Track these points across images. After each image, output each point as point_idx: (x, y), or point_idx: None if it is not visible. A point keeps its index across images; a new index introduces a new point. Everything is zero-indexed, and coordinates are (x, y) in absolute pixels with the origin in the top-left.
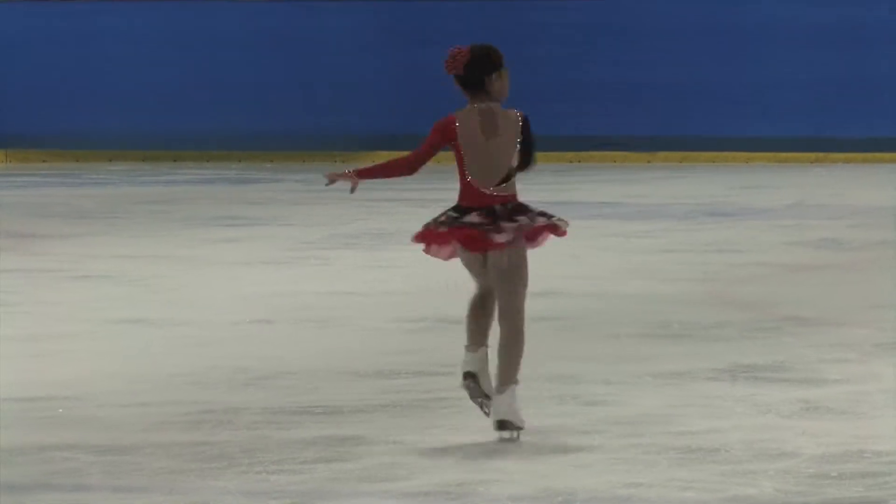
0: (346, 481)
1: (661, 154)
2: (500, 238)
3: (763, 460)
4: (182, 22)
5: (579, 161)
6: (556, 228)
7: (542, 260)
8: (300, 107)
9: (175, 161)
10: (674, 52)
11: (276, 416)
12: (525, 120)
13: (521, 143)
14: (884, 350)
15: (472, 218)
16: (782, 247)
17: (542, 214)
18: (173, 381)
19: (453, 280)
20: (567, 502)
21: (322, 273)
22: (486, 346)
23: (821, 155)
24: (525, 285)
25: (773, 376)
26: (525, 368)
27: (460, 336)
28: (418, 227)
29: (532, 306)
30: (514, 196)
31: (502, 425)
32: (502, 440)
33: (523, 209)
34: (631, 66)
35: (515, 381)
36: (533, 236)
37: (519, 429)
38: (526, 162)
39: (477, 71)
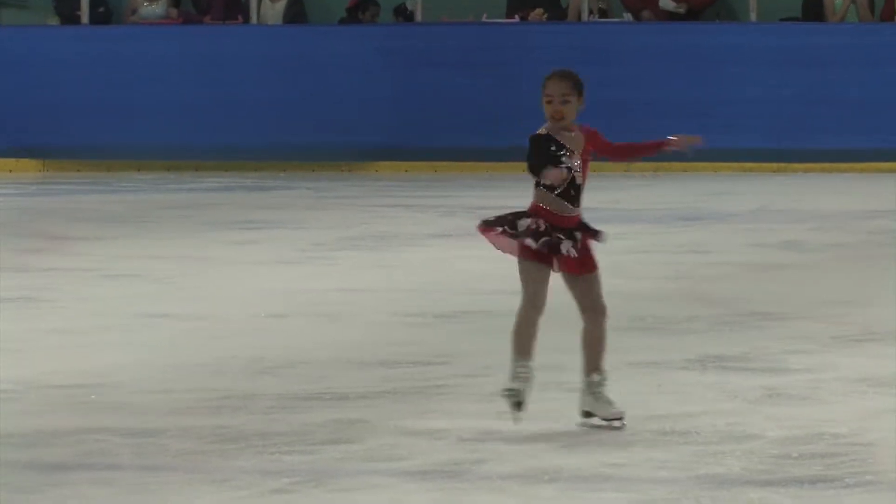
0: (352, 461)
1: (637, 164)
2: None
3: (730, 442)
4: (203, 45)
5: None
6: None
7: None
8: (310, 122)
9: (197, 170)
10: (649, 73)
11: (289, 402)
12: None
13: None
14: (840, 342)
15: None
16: (747, 248)
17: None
18: (196, 370)
19: (447, 279)
20: (553, 480)
21: (330, 272)
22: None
23: (782, 165)
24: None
25: (739, 366)
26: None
27: (455, 328)
28: (418, 230)
29: (517, 303)
30: (531, 206)
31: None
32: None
33: None
34: (610, 85)
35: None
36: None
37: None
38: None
39: None
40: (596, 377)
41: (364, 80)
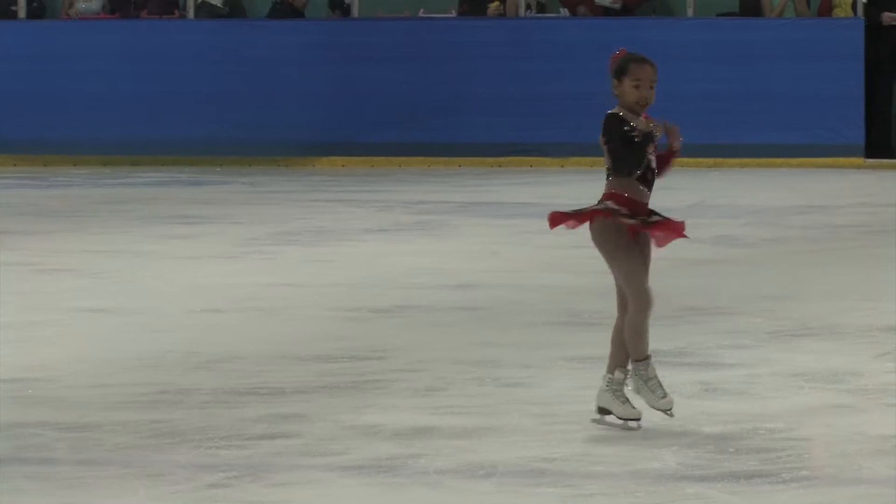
0: (288, 455)
1: (573, 160)
2: None
3: (666, 437)
4: (139, 40)
5: (499, 165)
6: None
7: (464, 255)
8: (246, 117)
9: (133, 165)
10: (586, 68)
11: (225, 396)
12: (603, 122)
13: (603, 144)
14: (775, 337)
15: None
16: (682, 243)
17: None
18: (132, 365)
19: (383, 274)
20: (489, 475)
21: (267, 266)
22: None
23: (718, 160)
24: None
25: (674, 360)
26: (448, 354)
27: (391, 323)
28: (355, 225)
29: (453, 297)
30: (605, 195)
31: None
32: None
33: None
34: (548, 80)
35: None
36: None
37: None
38: (610, 161)
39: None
40: (618, 375)
41: (300, 75)
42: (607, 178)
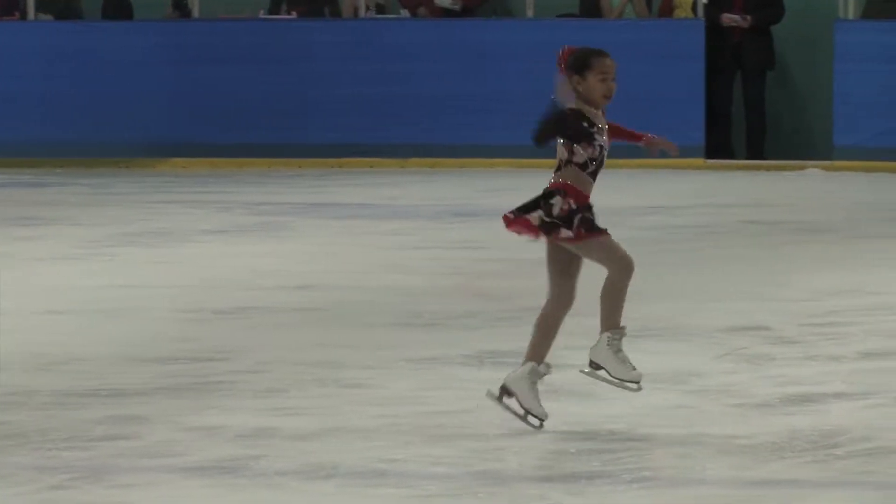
0: (130, 457)
1: (413, 160)
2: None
3: (508, 438)
4: None
5: (339, 166)
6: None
7: (304, 256)
8: (87, 118)
9: None
10: (427, 69)
11: (67, 398)
12: (558, 117)
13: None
14: None
15: None
16: (523, 244)
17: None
18: None
19: (224, 275)
20: (330, 476)
21: (108, 268)
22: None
23: None
24: None
25: (516, 361)
26: (289, 355)
27: (233, 324)
28: (196, 226)
29: (294, 299)
30: (555, 184)
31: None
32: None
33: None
34: (388, 81)
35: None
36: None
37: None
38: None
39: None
40: (615, 334)
41: (142, 76)
42: (557, 170)
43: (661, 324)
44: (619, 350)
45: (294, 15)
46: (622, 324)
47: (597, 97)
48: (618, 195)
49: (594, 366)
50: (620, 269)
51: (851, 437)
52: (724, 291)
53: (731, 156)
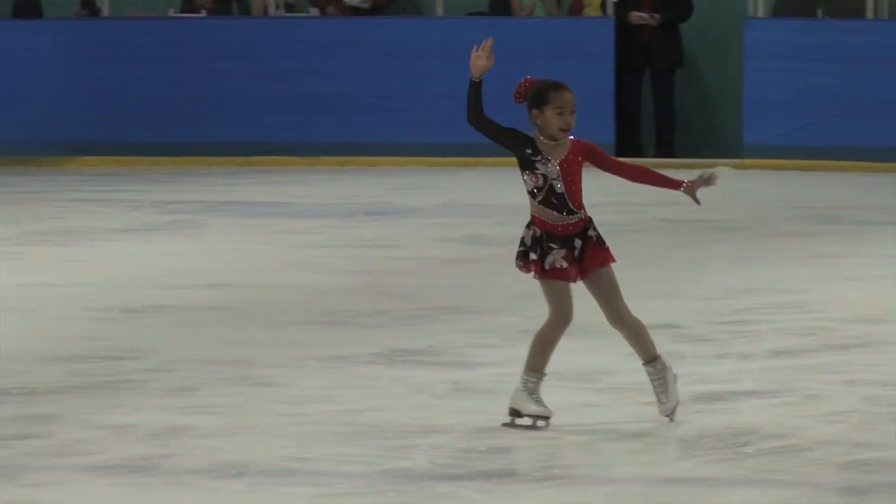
0: (42, 456)
1: (323, 159)
2: None
3: (417, 436)
4: None
5: (250, 165)
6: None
7: (215, 255)
8: None
9: None
10: (335, 68)
11: None
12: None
13: None
14: (526, 335)
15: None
16: (434, 242)
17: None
18: None
19: (134, 274)
20: (240, 474)
21: (17, 267)
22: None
23: (471, 160)
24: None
25: (425, 360)
26: (200, 353)
27: (143, 323)
28: (106, 225)
29: (204, 297)
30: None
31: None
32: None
33: None
34: (297, 80)
35: None
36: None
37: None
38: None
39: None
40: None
41: (51, 74)
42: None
43: (572, 321)
44: (533, 392)
45: (203, 13)
46: (545, 371)
47: (554, 130)
48: None
49: (514, 413)
50: (558, 320)
51: (761, 435)
52: (636, 290)
53: (640, 154)
